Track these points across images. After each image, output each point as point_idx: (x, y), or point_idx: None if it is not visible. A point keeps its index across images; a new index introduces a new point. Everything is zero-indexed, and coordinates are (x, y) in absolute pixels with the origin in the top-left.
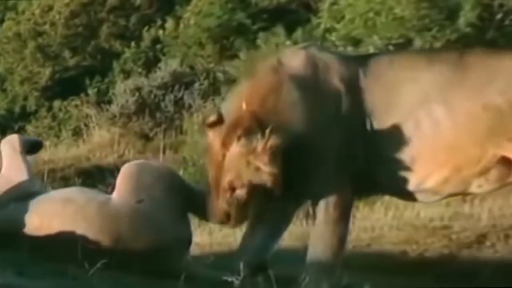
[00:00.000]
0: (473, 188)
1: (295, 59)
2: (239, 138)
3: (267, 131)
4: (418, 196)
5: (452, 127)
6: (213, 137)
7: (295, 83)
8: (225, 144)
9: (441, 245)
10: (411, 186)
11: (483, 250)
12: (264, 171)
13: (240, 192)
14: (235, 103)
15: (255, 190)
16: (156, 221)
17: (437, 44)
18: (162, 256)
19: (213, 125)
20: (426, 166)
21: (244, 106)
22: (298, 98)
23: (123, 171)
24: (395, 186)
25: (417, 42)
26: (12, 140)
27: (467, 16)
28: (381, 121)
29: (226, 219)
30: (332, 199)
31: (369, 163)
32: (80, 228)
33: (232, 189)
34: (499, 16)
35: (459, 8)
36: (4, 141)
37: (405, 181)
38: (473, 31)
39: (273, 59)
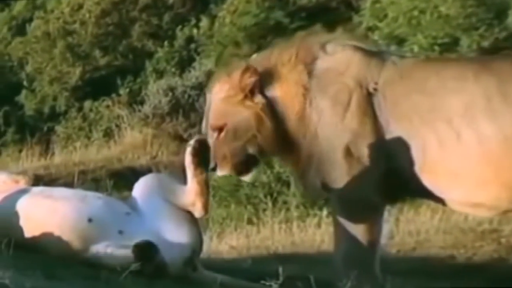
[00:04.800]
0: None
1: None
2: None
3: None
4: (471, 209)
5: (498, 143)
6: None
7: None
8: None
9: (490, 249)
10: (458, 197)
11: None
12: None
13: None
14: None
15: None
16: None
17: (485, 44)
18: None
19: None
20: (471, 180)
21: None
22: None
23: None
24: (440, 195)
25: (464, 42)
26: None
27: None
28: (421, 128)
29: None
30: (351, 198)
31: (406, 167)
32: None
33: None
34: None
35: (507, 6)
36: None
37: (448, 191)
38: None
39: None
